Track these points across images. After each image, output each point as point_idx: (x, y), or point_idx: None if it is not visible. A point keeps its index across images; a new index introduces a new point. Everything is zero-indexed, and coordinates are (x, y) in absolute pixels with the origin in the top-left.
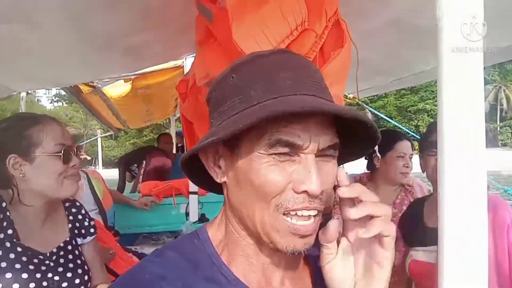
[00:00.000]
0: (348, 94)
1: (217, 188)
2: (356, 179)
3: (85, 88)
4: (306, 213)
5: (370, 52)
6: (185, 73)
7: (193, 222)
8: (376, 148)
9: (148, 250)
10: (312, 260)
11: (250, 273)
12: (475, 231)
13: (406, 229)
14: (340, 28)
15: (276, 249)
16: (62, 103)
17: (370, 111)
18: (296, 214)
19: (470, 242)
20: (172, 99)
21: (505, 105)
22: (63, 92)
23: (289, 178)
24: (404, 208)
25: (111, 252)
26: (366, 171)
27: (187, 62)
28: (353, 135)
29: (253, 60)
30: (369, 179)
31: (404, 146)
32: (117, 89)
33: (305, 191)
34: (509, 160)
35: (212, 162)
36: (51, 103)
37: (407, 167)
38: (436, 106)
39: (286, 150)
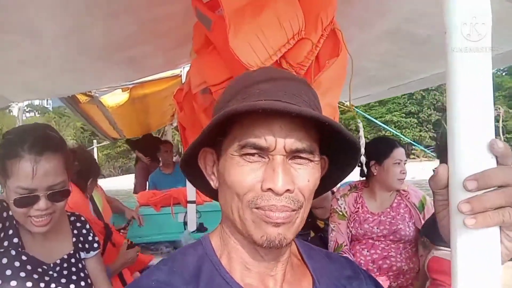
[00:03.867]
0: (345, 102)
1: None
2: (352, 186)
3: (82, 98)
4: (276, 214)
5: (367, 61)
6: (182, 82)
7: (191, 232)
8: (363, 152)
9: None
10: (313, 271)
11: (248, 278)
12: (488, 233)
13: (430, 230)
14: (336, 37)
15: (254, 243)
16: (34, 114)
17: (368, 118)
18: (264, 211)
19: (483, 244)
20: (169, 108)
21: None
22: (36, 102)
23: (257, 177)
24: (401, 211)
25: (137, 251)
26: (361, 178)
27: (185, 71)
28: (340, 150)
29: (242, 75)
30: (365, 185)
31: (400, 153)
32: (114, 98)
33: (270, 189)
34: None
35: (210, 170)
36: (22, 113)
37: (403, 173)
38: (402, 117)
39: (254, 151)
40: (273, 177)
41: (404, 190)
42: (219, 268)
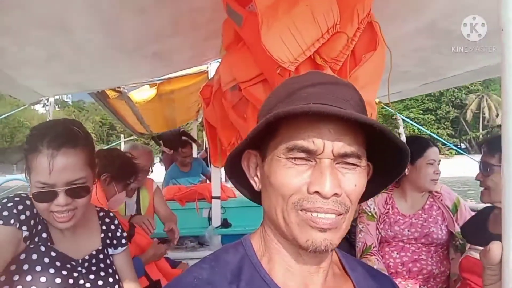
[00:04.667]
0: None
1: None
2: None
3: (111, 93)
4: (321, 215)
5: (399, 57)
6: (209, 78)
7: (216, 227)
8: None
9: (172, 254)
10: (356, 282)
11: (290, 281)
12: None
13: (470, 231)
14: (373, 30)
15: (299, 247)
16: (54, 107)
17: (401, 118)
18: (311, 214)
19: None
20: (195, 104)
21: (487, 114)
22: (56, 96)
23: (304, 179)
24: (434, 213)
25: (166, 248)
26: None
27: (212, 67)
28: (386, 154)
29: (288, 79)
30: (396, 185)
31: (433, 152)
32: (142, 94)
33: (317, 192)
34: None
35: (253, 172)
36: (43, 107)
37: (437, 173)
38: (419, 114)
39: (302, 155)
40: (320, 180)
41: (437, 192)
42: (259, 270)
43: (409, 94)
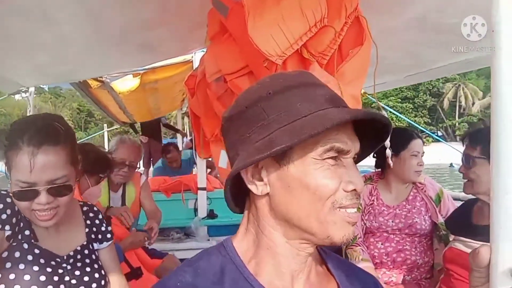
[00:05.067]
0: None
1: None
2: (367, 177)
3: (93, 83)
4: (353, 210)
5: (387, 50)
6: (194, 68)
7: (202, 218)
8: (388, 145)
9: (158, 245)
10: (338, 278)
11: (276, 281)
12: None
13: (455, 223)
14: (360, 25)
15: (331, 243)
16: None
17: (384, 109)
18: (345, 210)
19: None
20: (179, 94)
21: (463, 103)
22: None
23: (339, 179)
24: (417, 204)
25: (146, 236)
26: (376, 169)
27: (196, 57)
28: (366, 135)
29: (285, 78)
30: (380, 177)
31: (417, 144)
32: (125, 84)
33: (354, 190)
34: None
35: (252, 176)
36: (20, 95)
37: (420, 165)
38: (398, 103)
39: (335, 155)
40: (355, 179)
41: (420, 183)
42: (243, 271)
43: (392, 85)
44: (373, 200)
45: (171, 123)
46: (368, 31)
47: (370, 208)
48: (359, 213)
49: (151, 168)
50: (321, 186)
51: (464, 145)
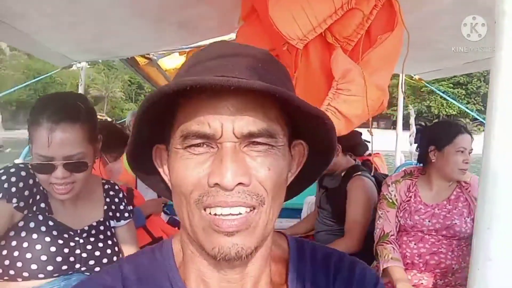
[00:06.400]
0: (414, 75)
1: None
2: (407, 172)
3: (141, 60)
4: (226, 211)
5: (437, 34)
6: None
7: None
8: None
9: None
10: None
11: None
12: None
13: None
14: (392, 9)
15: (208, 256)
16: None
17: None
18: (215, 213)
19: None
20: None
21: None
22: None
23: (204, 171)
24: (460, 205)
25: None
26: (418, 164)
27: None
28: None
29: (195, 53)
30: (421, 173)
31: (464, 140)
32: (172, 62)
33: (217, 184)
34: None
35: (167, 170)
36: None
37: (466, 163)
38: (449, 88)
39: (199, 141)
40: (220, 169)
41: (465, 182)
42: (173, 277)
43: (449, 73)
44: (411, 197)
45: None
46: (401, 16)
47: (406, 205)
48: (244, 217)
49: None
50: (180, 180)
51: None
